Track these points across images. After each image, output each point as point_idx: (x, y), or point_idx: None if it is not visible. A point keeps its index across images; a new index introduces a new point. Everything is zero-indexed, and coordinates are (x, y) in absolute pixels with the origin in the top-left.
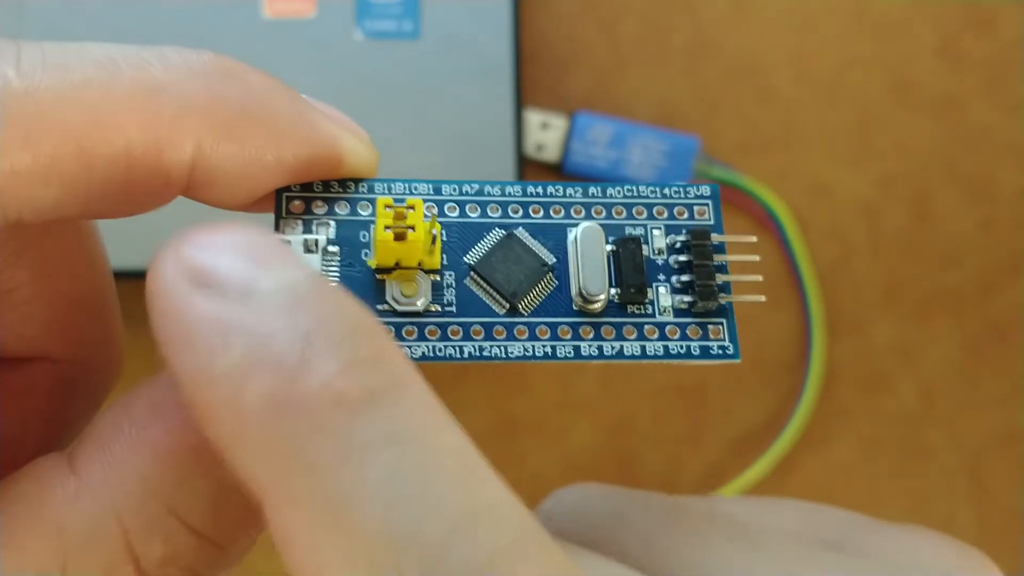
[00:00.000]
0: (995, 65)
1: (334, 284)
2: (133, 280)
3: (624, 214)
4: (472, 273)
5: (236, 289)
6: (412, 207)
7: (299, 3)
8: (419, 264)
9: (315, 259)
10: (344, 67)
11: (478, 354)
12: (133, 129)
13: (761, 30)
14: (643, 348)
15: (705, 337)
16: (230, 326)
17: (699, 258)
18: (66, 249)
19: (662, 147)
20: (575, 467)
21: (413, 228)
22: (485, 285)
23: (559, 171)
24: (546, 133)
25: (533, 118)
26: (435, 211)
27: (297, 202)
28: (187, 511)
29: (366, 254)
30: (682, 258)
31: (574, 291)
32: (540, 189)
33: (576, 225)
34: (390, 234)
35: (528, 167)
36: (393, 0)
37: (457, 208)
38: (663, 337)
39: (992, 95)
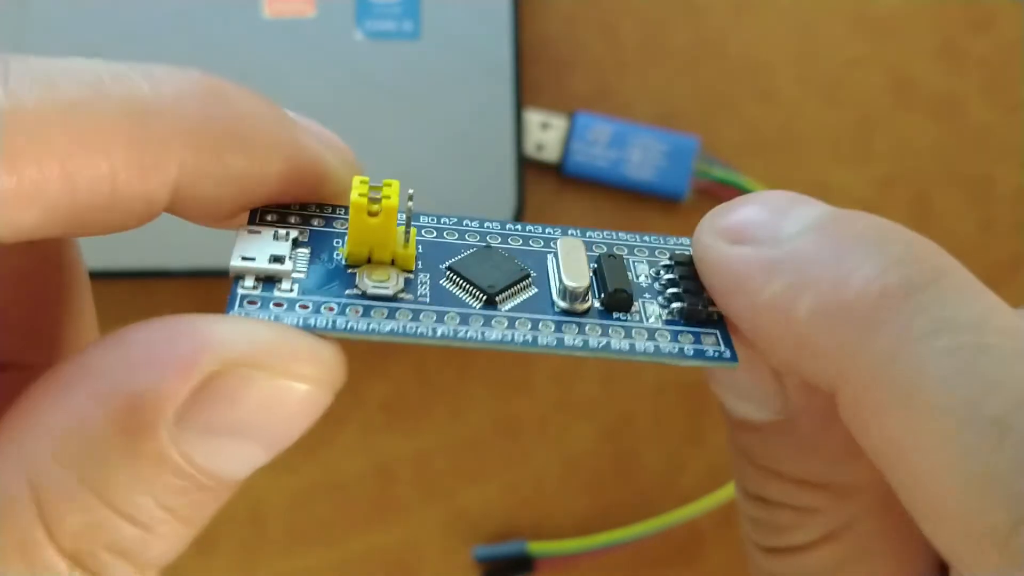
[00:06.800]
0: (995, 65)
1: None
2: (113, 280)
3: (604, 250)
4: (448, 272)
5: (766, 237)
6: (389, 185)
7: (299, 3)
8: (392, 261)
9: (284, 246)
10: (344, 67)
11: (452, 335)
12: (119, 152)
13: (761, 30)
14: (632, 345)
15: (698, 343)
16: (770, 264)
17: (685, 277)
18: (38, 255)
19: (662, 147)
20: (575, 467)
21: (389, 197)
22: (461, 281)
23: (559, 171)
24: (546, 133)
25: (533, 118)
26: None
27: (271, 216)
28: (101, 483)
29: (337, 243)
30: (668, 276)
31: (555, 291)
32: (519, 227)
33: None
34: (364, 200)
35: (528, 167)
36: (393, 0)
37: (435, 232)
38: (653, 339)
39: (992, 95)
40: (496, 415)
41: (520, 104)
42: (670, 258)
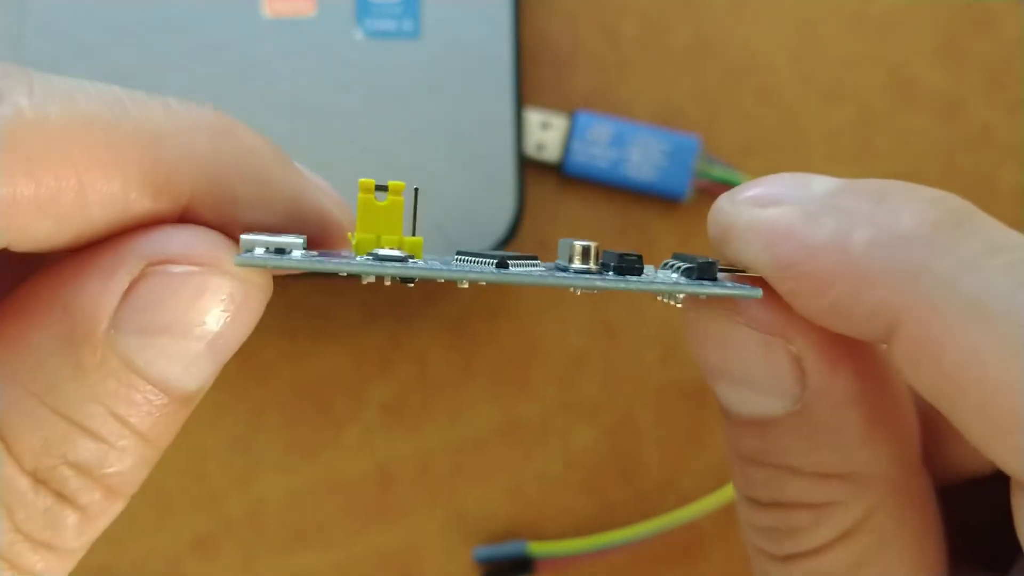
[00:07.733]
0: (995, 65)
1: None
2: None
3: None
4: (458, 255)
5: (800, 197)
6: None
7: (299, 2)
8: (400, 246)
9: (292, 241)
10: (344, 67)
11: (479, 274)
12: (133, 172)
13: (761, 30)
14: (653, 280)
15: (716, 283)
16: (814, 213)
17: (691, 261)
18: (39, 262)
19: (662, 147)
20: (577, 467)
21: (396, 183)
22: (471, 259)
23: (559, 171)
24: (546, 133)
25: (533, 118)
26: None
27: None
28: (50, 394)
29: (343, 251)
30: (675, 264)
31: (566, 259)
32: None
33: None
34: (371, 182)
35: (528, 167)
36: (393, 0)
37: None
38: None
39: (992, 95)
40: (497, 416)
41: (520, 104)
42: (672, 256)
